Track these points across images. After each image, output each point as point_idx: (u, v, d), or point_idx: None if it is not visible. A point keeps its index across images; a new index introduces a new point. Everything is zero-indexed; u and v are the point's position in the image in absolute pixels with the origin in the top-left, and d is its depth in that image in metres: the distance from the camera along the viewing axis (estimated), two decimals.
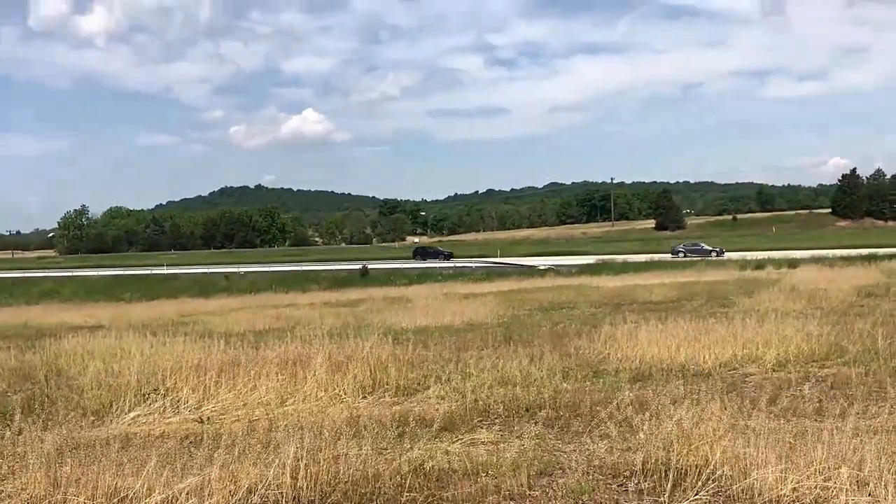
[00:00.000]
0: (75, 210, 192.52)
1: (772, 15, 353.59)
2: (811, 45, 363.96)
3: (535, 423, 6.18)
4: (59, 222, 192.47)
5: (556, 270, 51.57)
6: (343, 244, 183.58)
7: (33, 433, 5.50)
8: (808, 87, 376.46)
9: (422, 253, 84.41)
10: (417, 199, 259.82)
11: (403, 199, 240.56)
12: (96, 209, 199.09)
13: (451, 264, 64.82)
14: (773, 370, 8.49)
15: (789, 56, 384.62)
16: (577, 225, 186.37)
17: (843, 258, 44.80)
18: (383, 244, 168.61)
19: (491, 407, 6.70)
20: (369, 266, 63.05)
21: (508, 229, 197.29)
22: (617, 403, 5.74)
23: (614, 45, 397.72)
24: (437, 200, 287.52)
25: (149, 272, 74.87)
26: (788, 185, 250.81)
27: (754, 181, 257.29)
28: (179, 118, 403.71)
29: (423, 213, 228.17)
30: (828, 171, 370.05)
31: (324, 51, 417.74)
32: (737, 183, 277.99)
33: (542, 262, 63.89)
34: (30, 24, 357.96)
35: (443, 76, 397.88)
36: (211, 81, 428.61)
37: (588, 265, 54.00)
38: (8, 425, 6.43)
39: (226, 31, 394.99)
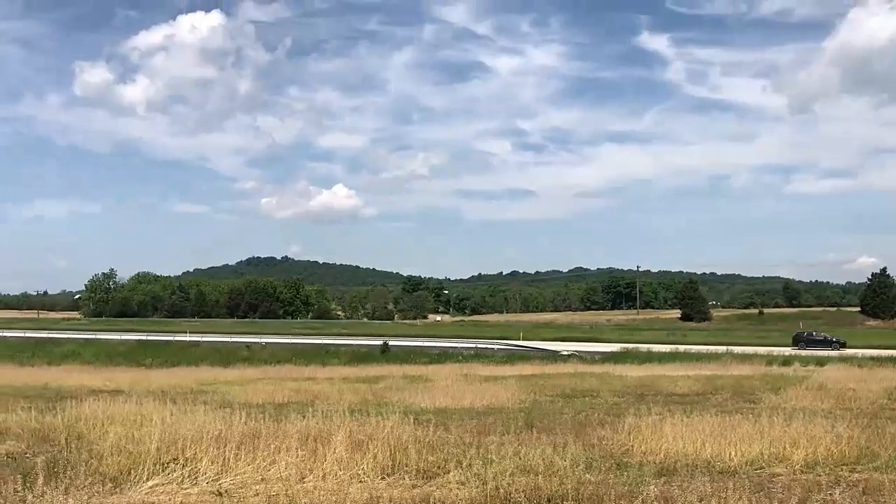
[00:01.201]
0: (103, 273, 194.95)
1: (800, 113, 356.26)
2: (839, 144, 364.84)
3: None
4: (86, 284, 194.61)
5: (579, 356, 51.19)
6: (365, 319, 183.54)
7: (56, 497, 5.48)
8: (836, 184, 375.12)
9: (806, 339, 69.15)
10: (441, 277, 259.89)
11: (427, 276, 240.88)
12: (124, 273, 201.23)
13: (474, 345, 64.22)
14: (802, 471, 8.26)
15: (817, 153, 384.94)
16: (601, 311, 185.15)
17: (872, 358, 44.00)
18: (405, 321, 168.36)
19: (512, 496, 6.57)
20: (390, 342, 62.97)
21: (532, 312, 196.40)
22: (642, 499, 5.59)
23: (642, 134, 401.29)
24: (460, 279, 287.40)
25: (171, 339, 75.28)
26: (816, 281, 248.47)
27: (781, 275, 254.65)
28: (212, 187, 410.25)
29: (446, 292, 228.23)
30: (856, 268, 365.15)
31: (357, 128, 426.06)
32: (763, 276, 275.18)
33: (565, 347, 63.38)
34: (74, 91, 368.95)
35: (472, 157, 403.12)
36: (245, 153, 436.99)
37: (612, 353, 53.47)
38: (29, 488, 6.42)
39: (263, 105, 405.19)
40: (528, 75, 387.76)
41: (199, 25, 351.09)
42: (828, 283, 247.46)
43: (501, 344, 69.49)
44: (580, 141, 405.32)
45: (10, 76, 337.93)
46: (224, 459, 7.21)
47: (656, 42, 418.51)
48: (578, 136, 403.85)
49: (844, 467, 8.51)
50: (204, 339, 74.88)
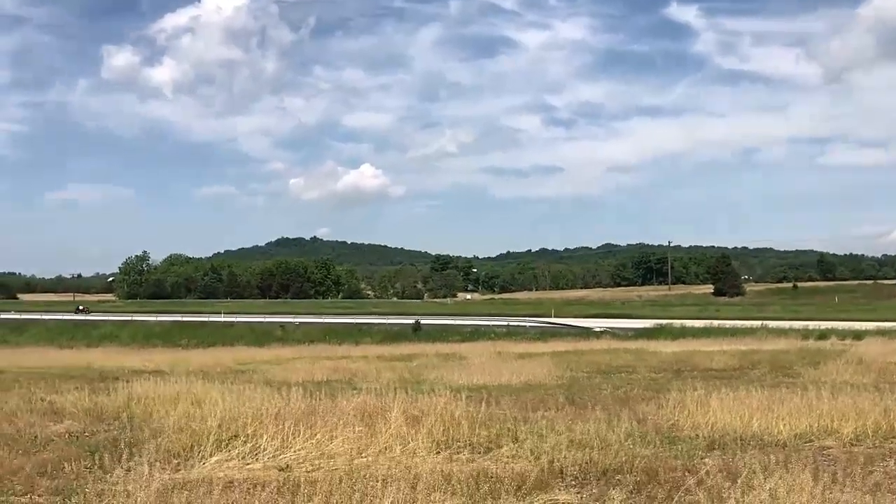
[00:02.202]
0: (136, 256, 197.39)
1: (833, 83, 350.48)
2: (874, 114, 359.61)
3: (614, 486, 6.15)
4: (120, 267, 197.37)
5: (612, 333, 51.06)
6: (395, 298, 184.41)
7: (140, 471, 5.68)
8: (870, 155, 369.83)
9: None
10: (469, 255, 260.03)
11: (455, 254, 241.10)
12: (157, 255, 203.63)
13: (506, 322, 64.35)
14: (852, 444, 8.28)
15: (851, 124, 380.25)
16: (632, 287, 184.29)
17: None
18: (435, 299, 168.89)
19: (567, 469, 6.68)
20: (421, 321, 63.27)
21: (561, 289, 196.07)
22: (707, 470, 5.66)
23: (672, 107, 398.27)
24: (489, 257, 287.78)
25: (206, 319, 76.29)
26: (851, 254, 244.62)
27: (815, 249, 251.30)
28: (240, 169, 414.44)
29: (475, 270, 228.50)
30: (892, 241, 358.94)
31: (383, 107, 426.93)
32: (797, 250, 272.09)
33: (597, 323, 63.28)
34: (102, 75, 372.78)
35: (500, 134, 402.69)
36: (273, 134, 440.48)
37: (645, 329, 53.30)
38: (101, 466, 6.64)
39: (289, 85, 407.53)
40: (555, 49, 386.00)
41: (224, 6, 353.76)
42: (863, 255, 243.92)
43: (532, 321, 69.58)
44: (609, 115, 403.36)
45: (40, 62, 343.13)
46: (284, 436, 7.39)
47: (685, 13, 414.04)
48: (608, 111, 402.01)
49: (894, 440, 8.50)
50: (238, 319, 75.81)
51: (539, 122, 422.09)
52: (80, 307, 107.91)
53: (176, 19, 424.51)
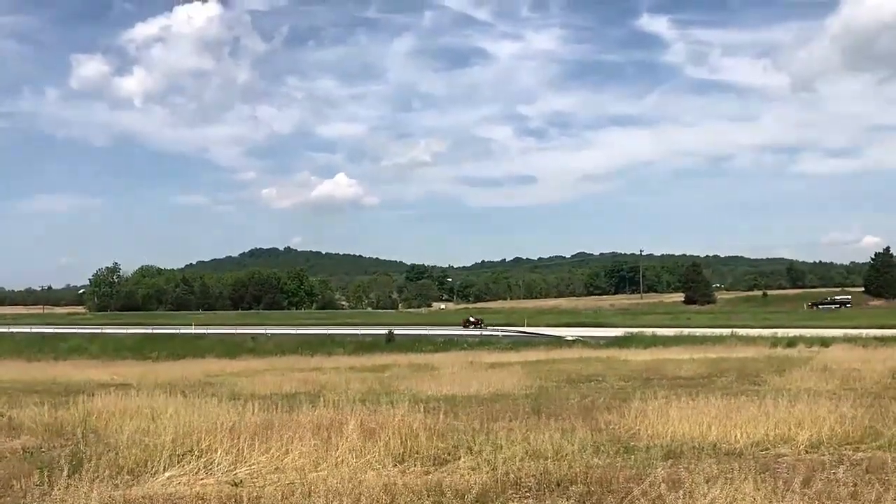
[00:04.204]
0: (107, 267, 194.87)
1: (802, 91, 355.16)
2: (843, 123, 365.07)
3: (568, 497, 6.17)
4: (90, 279, 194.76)
5: (583, 342, 51.25)
6: (369, 308, 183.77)
7: (80, 489, 5.60)
8: (840, 164, 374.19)
9: None
10: (444, 265, 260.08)
11: (430, 264, 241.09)
12: (128, 267, 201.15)
13: (479, 332, 64.37)
14: (806, 451, 8.38)
15: (820, 133, 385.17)
16: (604, 296, 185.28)
17: (876, 338, 44.01)
18: (409, 309, 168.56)
19: (522, 480, 6.69)
20: (395, 331, 63.11)
21: (535, 298, 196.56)
22: (650, 481, 5.70)
23: (644, 117, 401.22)
24: (464, 267, 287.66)
25: (176, 331, 75.50)
26: (820, 261, 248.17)
27: (785, 257, 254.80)
28: (212, 179, 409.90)
29: (449, 280, 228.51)
30: (860, 248, 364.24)
31: (357, 117, 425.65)
32: (767, 258, 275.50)
33: (569, 332, 63.51)
34: (72, 85, 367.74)
35: (473, 144, 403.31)
36: (245, 144, 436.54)
37: (616, 337, 53.58)
38: (49, 482, 6.53)
39: (262, 95, 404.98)
40: (528, 60, 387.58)
41: (196, 16, 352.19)
42: (832, 263, 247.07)
43: (506, 330, 69.69)
44: (581, 125, 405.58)
45: (8, 70, 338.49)
46: (238, 450, 7.32)
47: (656, 24, 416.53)
48: (579, 121, 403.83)
49: (848, 446, 8.62)
50: (209, 331, 75.12)
51: (512, 132, 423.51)
52: (471, 319, 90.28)
53: (147, 29, 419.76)
